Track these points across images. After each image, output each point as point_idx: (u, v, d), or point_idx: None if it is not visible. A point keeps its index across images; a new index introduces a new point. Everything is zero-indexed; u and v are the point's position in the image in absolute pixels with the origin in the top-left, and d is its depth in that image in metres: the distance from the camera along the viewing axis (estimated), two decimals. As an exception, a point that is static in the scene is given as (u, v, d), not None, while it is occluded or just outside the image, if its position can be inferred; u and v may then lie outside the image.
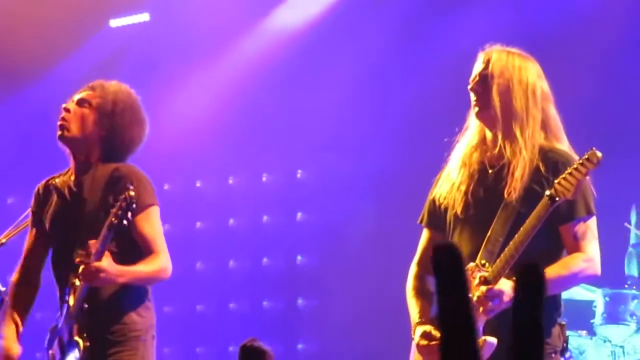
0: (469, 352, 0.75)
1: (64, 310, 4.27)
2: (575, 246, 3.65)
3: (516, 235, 3.51)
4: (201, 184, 9.15)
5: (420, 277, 3.85)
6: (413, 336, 3.71)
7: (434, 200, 3.86)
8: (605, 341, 6.85)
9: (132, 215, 4.02)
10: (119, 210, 3.99)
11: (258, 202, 8.86)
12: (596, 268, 3.68)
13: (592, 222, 3.69)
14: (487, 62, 3.78)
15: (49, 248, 4.51)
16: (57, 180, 4.50)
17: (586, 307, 7.09)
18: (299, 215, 8.77)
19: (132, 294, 4.30)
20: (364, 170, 8.14)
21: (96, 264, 4.04)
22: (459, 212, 3.73)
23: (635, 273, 7.08)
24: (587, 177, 3.53)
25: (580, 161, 3.49)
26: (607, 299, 6.85)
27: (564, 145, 3.76)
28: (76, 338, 4.20)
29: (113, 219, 4.01)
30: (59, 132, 4.38)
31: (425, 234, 3.93)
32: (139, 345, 4.27)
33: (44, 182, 4.57)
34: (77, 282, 4.19)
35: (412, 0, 8.24)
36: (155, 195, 4.38)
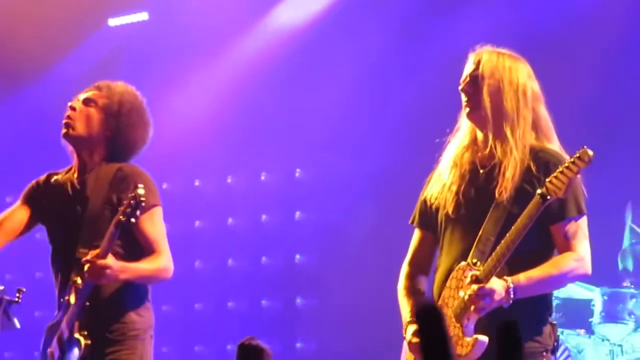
0: None
1: (63, 308, 4.28)
2: (566, 245, 3.65)
3: (507, 234, 3.52)
4: (200, 183, 9.15)
5: (411, 277, 3.87)
6: (404, 335, 3.73)
7: (425, 201, 3.88)
8: (603, 340, 6.86)
9: (140, 214, 4.04)
10: (127, 208, 4.01)
11: (257, 201, 8.86)
12: (587, 267, 3.68)
13: (583, 221, 3.69)
14: (478, 63, 3.78)
15: (25, 228, 4.51)
16: (59, 176, 4.51)
17: (585, 306, 7.10)
18: (298, 214, 8.78)
19: (133, 294, 4.31)
20: (363, 170, 8.14)
21: (102, 261, 4.05)
22: (450, 212, 3.73)
23: (630, 267, 7.09)
24: (579, 176, 3.54)
25: (572, 160, 3.50)
26: (606, 297, 6.86)
27: (554, 145, 3.76)
28: (77, 336, 4.20)
29: (121, 217, 4.02)
30: (64, 130, 4.40)
31: (416, 234, 3.95)
32: (137, 345, 4.28)
33: (45, 176, 4.57)
34: (79, 281, 4.20)
35: (412, -1, 8.26)
36: (159, 195, 4.40)
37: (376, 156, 8.02)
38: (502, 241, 3.52)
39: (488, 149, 3.72)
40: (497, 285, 3.51)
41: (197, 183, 9.15)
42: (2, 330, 4.66)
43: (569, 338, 6.90)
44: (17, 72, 9.02)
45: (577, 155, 3.49)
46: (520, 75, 3.77)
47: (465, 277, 3.57)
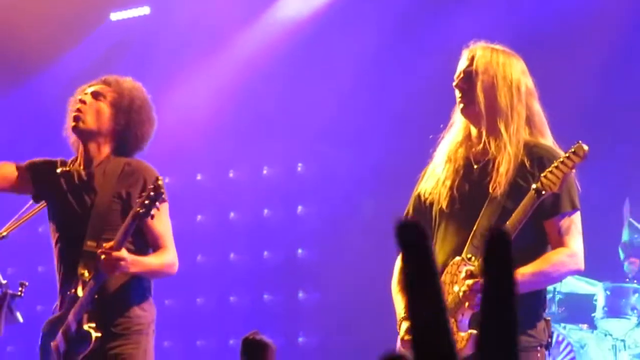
0: (440, 325, 0.74)
1: (69, 301, 4.27)
2: (560, 241, 3.65)
3: None
4: (202, 177, 9.15)
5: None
6: (398, 331, 3.73)
7: (419, 196, 3.88)
8: (606, 335, 6.86)
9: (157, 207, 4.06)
10: (146, 200, 4.03)
11: (259, 196, 8.86)
12: (580, 263, 3.68)
13: (577, 217, 3.70)
14: (472, 59, 3.79)
15: (10, 184, 4.51)
16: (66, 167, 4.51)
17: (587, 301, 7.10)
18: (300, 208, 8.77)
19: (138, 288, 4.34)
20: (364, 164, 8.13)
21: (117, 253, 4.07)
22: (444, 207, 3.74)
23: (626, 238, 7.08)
24: (573, 171, 3.54)
25: (567, 154, 3.51)
26: (608, 292, 6.86)
27: (548, 140, 3.77)
28: (87, 328, 4.21)
29: (139, 209, 4.04)
30: (74, 123, 4.41)
31: None
32: (141, 339, 4.30)
33: (58, 160, 4.55)
34: (86, 274, 4.20)
35: (412, -7, 8.24)
36: (165, 191, 4.41)
37: (379, 150, 8.01)
38: None
39: (482, 145, 3.73)
40: None
41: (199, 177, 9.14)
42: (4, 325, 4.65)
43: (572, 333, 6.90)
44: (19, 66, 9.01)
45: (572, 150, 3.50)
46: (514, 71, 3.77)
47: (459, 272, 3.57)
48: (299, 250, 8.72)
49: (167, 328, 6.51)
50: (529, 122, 3.75)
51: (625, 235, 7.13)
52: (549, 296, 7.05)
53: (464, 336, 3.52)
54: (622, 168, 7.23)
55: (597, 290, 6.93)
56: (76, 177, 4.44)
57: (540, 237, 3.67)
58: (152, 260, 4.30)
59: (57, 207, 4.47)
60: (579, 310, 7.17)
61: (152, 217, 4.06)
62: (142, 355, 4.30)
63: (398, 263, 3.91)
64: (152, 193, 4.03)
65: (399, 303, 3.79)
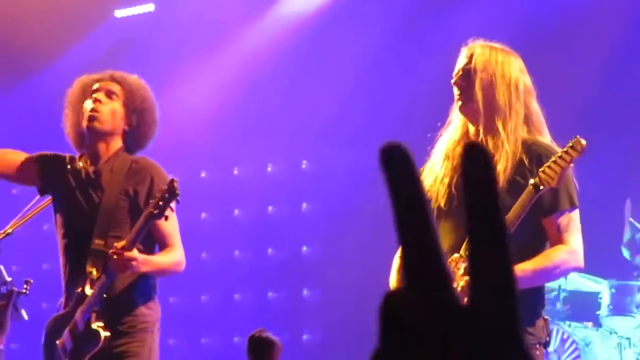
0: (430, 248, 0.73)
1: (76, 299, 4.27)
2: (559, 238, 3.66)
3: None
4: (206, 175, 9.14)
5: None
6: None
7: None
8: (611, 333, 6.85)
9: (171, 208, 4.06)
10: (160, 201, 4.02)
11: (263, 193, 8.85)
12: (579, 260, 3.69)
13: (575, 214, 3.70)
14: (471, 57, 3.80)
15: (14, 174, 4.49)
16: (75, 163, 4.50)
17: (592, 299, 7.09)
18: (304, 205, 8.77)
19: (144, 287, 4.35)
20: (369, 161, 8.06)
21: (129, 253, 4.07)
22: (442, 204, 3.75)
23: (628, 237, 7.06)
24: (571, 169, 3.53)
25: (565, 149, 3.51)
26: (613, 290, 6.84)
27: (546, 138, 3.78)
28: (95, 327, 4.21)
29: (153, 210, 4.03)
30: (90, 123, 4.40)
31: None
32: (146, 337, 4.31)
33: (66, 155, 4.55)
34: (95, 272, 4.20)
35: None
36: (180, 192, 4.41)
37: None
38: None
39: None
40: None
41: (203, 175, 9.14)
42: (10, 322, 4.65)
43: (577, 331, 6.89)
44: (23, 62, 9.01)
45: (570, 144, 3.51)
46: (513, 69, 3.78)
47: (458, 268, 3.58)
48: (304, 248, 8.71)
49: (172, 326, 6.50)
50: (527, 120, 3.76)
51: (627, 235, 7.12)
52: (553, 294, 7.05)
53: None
54: (624, 164, 7.22)
55: (602, 288, 6.92)
56: (84, 174, 4.45)
57: (539, 234, 3.68)
58: (161, 259, 4.31)
59: (64, 203, 4.47)
60: (584, 308, 7.15)
61: (166, 218, 4.05)
62: (147, 353, 4.31)
63: (396, 261, 3.92)
64: (166, 194, 4.02)
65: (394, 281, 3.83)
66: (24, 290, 4.85)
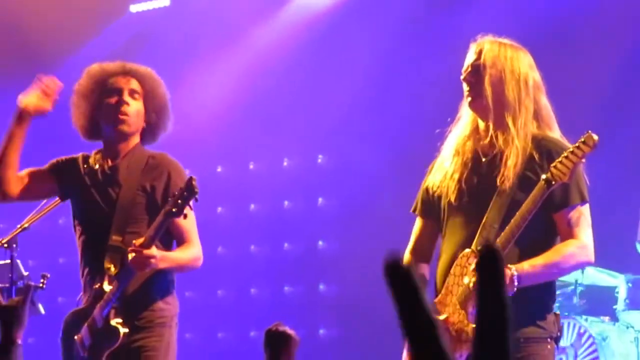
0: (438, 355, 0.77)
1: (94, 295, 4.27)
2: (569, 233, 3.66)
3: (512, 220, 3.55)
4: (222, 169, 9.15)
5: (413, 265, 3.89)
6: None
7: (427, 189, 3.90)
8: (628, 327, 6.83)
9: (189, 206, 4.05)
10: (178, 199, 4.01)
11: (279, 188, 8.85)
12: (590, 255, 3.69)
13: (586, 209, 3.71)
14: (480, 53, 3.81)
15: (43, 190, 4.51)
16: (90, 160, 4.50)
17: (609, 293, 7.08)
18: (320, 200, 8.76)
19: (162, 282, 4.36)
20: (385, 155, 8.11)
21: (147, 251, 4.07)
22: (452, 200, 3.75)
23: None
24: (583, 161, 3.54)
25: (577, 145, 3.52)
26: (630, 284, 6.82)
27: (556, 134, 3.78)
28: (114, 324, 4.21)
29: (172, 208, 4.02)
30: (120, 126, 4.40)
31: (418, 223, 3.97)
32: (164, 332, 4.31)
33: (79, 155, 4.55)
34: (112, 268, 4.20)
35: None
36: (199, 191, 4.41)
37: (399, 142, 7.98)
38: (507, 227, 3.56)
39: (489, 138, 3.75)
40: None
41: (219, 169, 9.14)
42: (27, 316, 4.66)
43: (593, 325, 6.86)
44: (39, 57, 9.03)
45: (582, 140, 3.51)
46: (522, 65, 3.79)
47: (469, 264, 3.60)
48: (320, 242, 8.71)
49: (188, 320, 6.51)
50: (537, 115, 3.77)
51: (640, 233, 7.09)
52: (570, 288, 7.04)
53: (474, 327, 3.52)
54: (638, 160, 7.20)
55: (619, 282, 6.90)
56: (100, 171, 4.45)
57: (549, 228, 3.69)
58: (179, 255, 4.32)
59: (81, 202, 4.47)
60: (601, 302, 7.14)
61: (185, 216, 4.05)
62: (165, 347, 4.31)
63: (405, 256, 3.91)
64: (185, 192, 4.02)
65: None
66: (41, 285, 4.87)
